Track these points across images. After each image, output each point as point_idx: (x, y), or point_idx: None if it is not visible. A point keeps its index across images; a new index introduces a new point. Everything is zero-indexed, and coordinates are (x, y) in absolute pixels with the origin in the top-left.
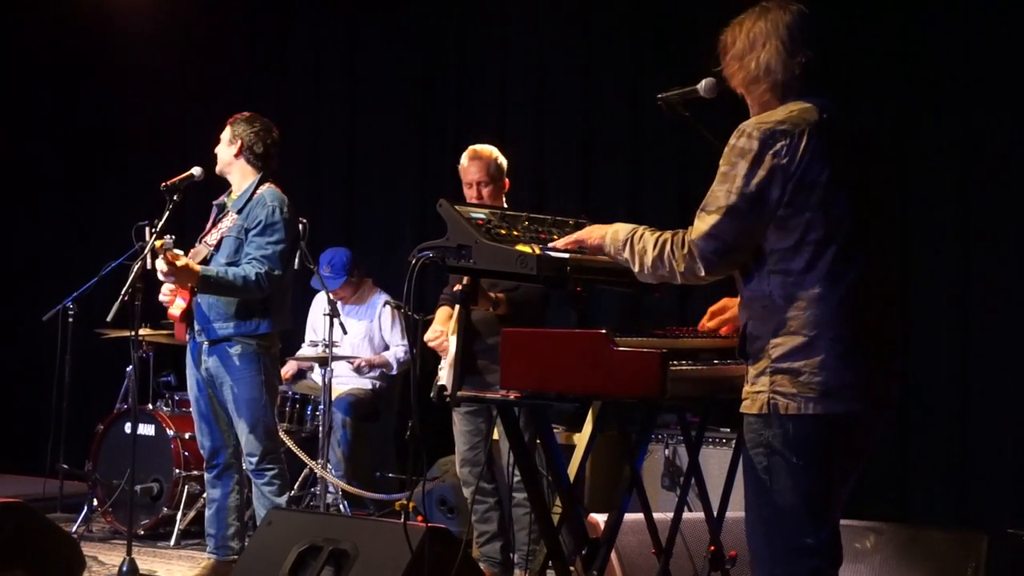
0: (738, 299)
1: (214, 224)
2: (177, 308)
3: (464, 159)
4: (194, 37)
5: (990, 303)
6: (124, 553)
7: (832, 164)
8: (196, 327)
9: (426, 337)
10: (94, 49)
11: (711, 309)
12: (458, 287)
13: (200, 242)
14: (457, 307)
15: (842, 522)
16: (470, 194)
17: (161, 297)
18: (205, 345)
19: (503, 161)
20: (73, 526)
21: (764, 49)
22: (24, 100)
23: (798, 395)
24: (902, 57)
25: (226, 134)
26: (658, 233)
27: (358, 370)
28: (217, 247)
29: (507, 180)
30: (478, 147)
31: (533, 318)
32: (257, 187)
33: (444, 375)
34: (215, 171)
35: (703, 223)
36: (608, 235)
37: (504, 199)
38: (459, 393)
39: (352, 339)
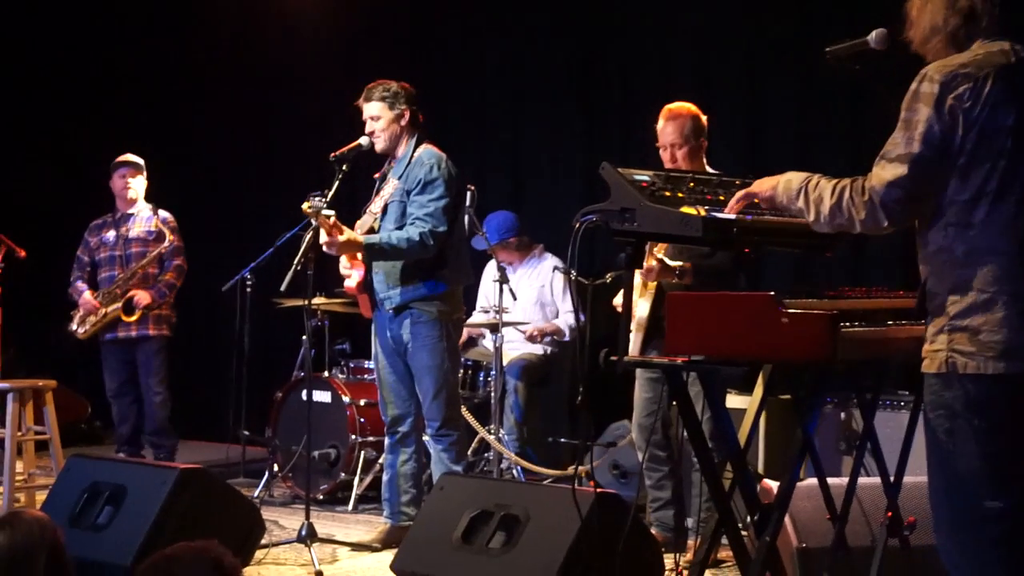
0: None
1: (376, 193)
2: (353, 281)
3: (660, 120)
4: (360, 13)
5: None
6: (303, 517)
7: (1018, 110)
8: (377, 297)
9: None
10: (267, 28)
11: None
12: (657, 256)
13: (365, 212)
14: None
15: None
16: (664, 156)
17: (342, 270)
18: (390, 313)
19: (703, 119)
20: (255, 491)
21: (928, 6)
22: (201, 79)
23: (977, 354)
24: None
25: (384, 112)
26: (835, 181)
27: (531, 339)
28: (383, 214)
29: (704, 140)
30: (673, 105)
31: (725, 287)
32: (415, 150)
33: (632, 340)
34: (376, 151)
35: (884, 171)
36: (780, 184)
37: (704, 160)
38: (626, 359)
39: (523, 303)
